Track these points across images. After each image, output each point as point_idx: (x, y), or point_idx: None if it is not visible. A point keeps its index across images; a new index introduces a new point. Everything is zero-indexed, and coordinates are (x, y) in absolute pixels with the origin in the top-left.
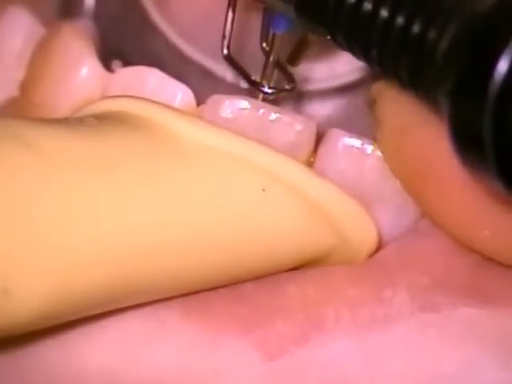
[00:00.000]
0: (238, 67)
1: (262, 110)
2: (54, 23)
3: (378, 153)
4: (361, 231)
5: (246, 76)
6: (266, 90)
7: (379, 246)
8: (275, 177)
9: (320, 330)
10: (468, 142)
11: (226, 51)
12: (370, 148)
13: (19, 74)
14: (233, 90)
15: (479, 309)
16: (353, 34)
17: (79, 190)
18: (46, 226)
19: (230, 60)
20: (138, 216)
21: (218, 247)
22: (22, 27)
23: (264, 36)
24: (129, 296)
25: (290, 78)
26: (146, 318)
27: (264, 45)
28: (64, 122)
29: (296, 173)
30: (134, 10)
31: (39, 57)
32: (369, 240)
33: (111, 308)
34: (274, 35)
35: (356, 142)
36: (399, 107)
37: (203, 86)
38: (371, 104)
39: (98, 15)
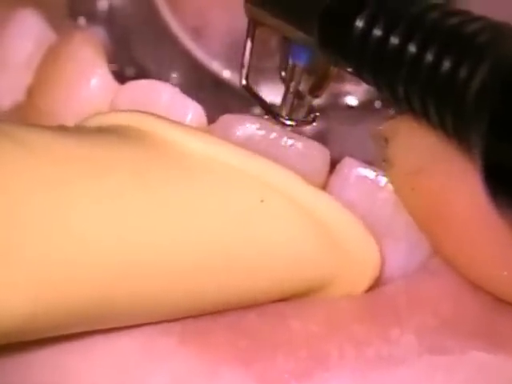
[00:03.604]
0: (257, 98)
1: (274, 134)
2: (66, 29)
3: (391, 185)
4: (363, 250)
5: (265, 107)
6: (287, 122)
7: (388, 282)
8: (274, 188)
9: (323, 366)
10: (503, 184)
11: (244, 82)
12: (383, 180)
13: (27, 79)
14: (246, 102)
15: (489, 353)
16: (378, 70)
17: (67, 192)
18: (33, 230)
19: (249, 90)
20: (130, 226)
21: (214, 259)
22: (33, 31)
23: (283, 65)
24: (119, 314)
25: (311, 110)
26: (144, 342)
27: (283, 74)
28: (59, 127)
29: (295, 186)
30: (149, 15)
31: (49, 63)
32: (372, 261)
33: (99, 326)
34: (294, 66)
35: (370, 173)
36: (413, 146)
37: (215, 94)
38: (381, 142)
39: (112, 20)
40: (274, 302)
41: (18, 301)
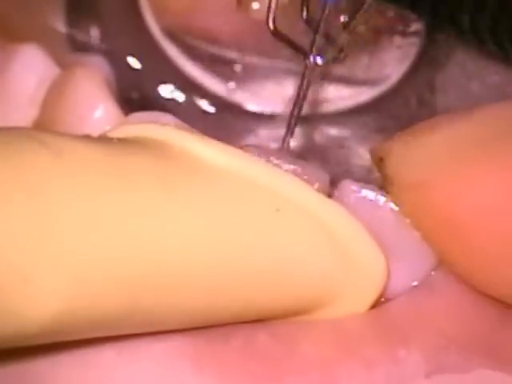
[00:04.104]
0: (287, 40)
1: (271, 158)
2: (69, 62)
3: (391, 204)
4: (372, 261)
5: (296, 47)
6: (318, 60)
7: (390, 300)
8: (287, 198)
9: None
10: None
11: (271, 25)
12: (382, 199)
13: (32, 114)
14: (247, 118)
15: (495, 369)
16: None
17: (100, 195)
18: (68, 226)
19: (277, 34)
20: (158, 233)
21: (228, 266)
22: (36, 66)
23: (305, 4)
24: (144, 319)
25: (340, 48)
26: (157, 366)
27: (304, 14)
28: (85, 136)
29: (308, 195)
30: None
31: (53, 98)
32: (379, 272)
33: (125, 331)
34: (324, 2)
35: (369, 194)
36: (409, 161)
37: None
38: (378, 162)
39: (109, 50)
40: (286, 318)
41: (64, 284)
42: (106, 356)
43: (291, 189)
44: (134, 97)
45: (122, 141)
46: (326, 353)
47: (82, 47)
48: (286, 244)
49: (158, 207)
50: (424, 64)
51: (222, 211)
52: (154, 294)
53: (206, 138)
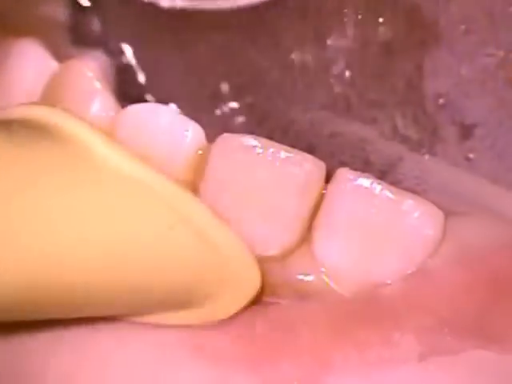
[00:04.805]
0: None
1: (271, 149)
2: (67, 56)
3: (387, 192)
4: (245, 270)
5: None
6: None
7: (385, 285)
8: (183, 217)
9: (327, 370)
10: None
11: None
12: (378, 187)
13: None
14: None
15: (486, 349)
16: None
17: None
18: None
19: None
20: (46, 219)
21: (113, 270)
22: (35, 60)
23: None
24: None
25: None
26: (157, 353)
27: None
28: None
29: (204, 216)
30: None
31: (51, 91)
32: (251, 279)
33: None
34: None
35: (365, 182)
36: None
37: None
38: None
39: (106, 42)
40: (277, 306)
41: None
42: (103, 341)
43: (189, 208)
44: (132, 94)
45: (22, 125)
46: (321, 336)
47: (82, 40)
48: (170, 259)
49: (52, 200)
50: (412, 47)
51: (109, 216)
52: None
53: (116, 143)
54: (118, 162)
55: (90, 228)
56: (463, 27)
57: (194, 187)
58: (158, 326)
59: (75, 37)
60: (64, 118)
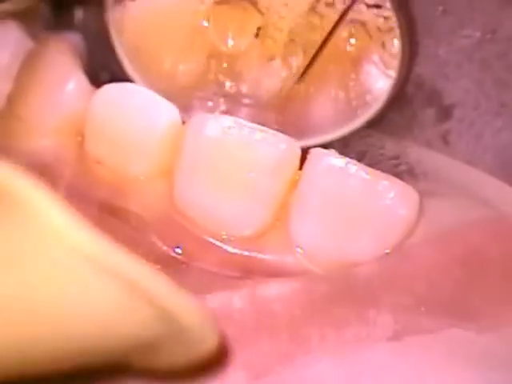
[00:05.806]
0: None
1: (247, 130)
2: (43, 37)
3: (362, 173)
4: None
5: None
6: None
7: (361, 265)
8: (137, 288)
9: (305, 349)
10: None
11: None
12: (353, 168)
13: (6, 88)
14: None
15: (462, 328)
16: None
17: None
18: None
19: None
20: None
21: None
22: (10, 41)
23: None
24: None
25: None
26: None
27: None
28: None
29: (158, 288)
30: None
31: (26, 71)
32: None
33: None
34: None
35: (340, 162)
36: None
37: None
38: None
39: (87, 28)
40: (254, 287)
41: None
42: None
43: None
44: (103, 78)
45: None
46: (297, 316)
47: (63, 26)
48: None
49: None
50: None
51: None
52: None
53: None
54: (75, 237)
55: (39, 302)
56: (441, 8)
57: (168, 167)
58: None
59: (52, 20)
60: (21, 181)
